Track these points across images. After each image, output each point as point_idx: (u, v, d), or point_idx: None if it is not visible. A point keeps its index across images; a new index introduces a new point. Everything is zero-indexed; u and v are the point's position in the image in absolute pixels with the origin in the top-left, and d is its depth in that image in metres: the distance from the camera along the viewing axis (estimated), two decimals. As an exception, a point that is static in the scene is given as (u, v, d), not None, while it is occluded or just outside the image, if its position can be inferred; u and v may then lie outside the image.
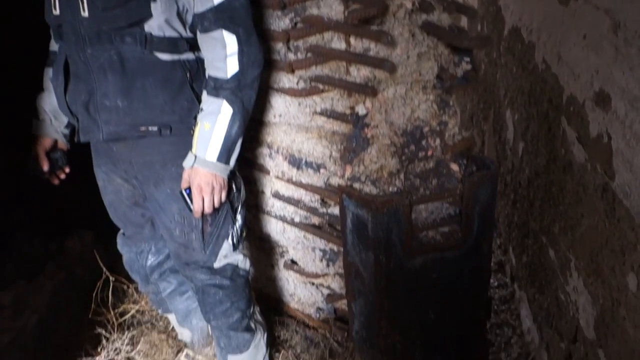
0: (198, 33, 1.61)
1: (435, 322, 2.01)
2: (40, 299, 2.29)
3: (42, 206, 2.86)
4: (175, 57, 1.62)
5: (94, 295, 2.19)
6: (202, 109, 1.60)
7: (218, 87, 1.57)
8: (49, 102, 1.81)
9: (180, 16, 1.59)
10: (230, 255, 1.79)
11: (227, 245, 1.76)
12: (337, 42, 1.76)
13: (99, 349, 2.19)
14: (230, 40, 1.55)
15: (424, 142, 1.81)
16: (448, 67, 1.78)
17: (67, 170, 1.93)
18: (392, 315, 1.97)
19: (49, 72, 1.81)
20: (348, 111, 1.81)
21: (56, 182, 1.93)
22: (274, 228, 2.21)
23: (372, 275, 1.90)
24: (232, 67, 1.55)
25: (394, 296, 1.93)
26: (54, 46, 1.81)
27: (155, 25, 1.57)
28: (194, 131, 1.61)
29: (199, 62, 1.66)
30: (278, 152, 1.99)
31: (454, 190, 1.84)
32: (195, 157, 1.60)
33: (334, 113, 1.83)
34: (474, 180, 1.80)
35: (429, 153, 1.82)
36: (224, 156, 1.60)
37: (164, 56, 1.60)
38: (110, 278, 2.16)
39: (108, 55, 1.57)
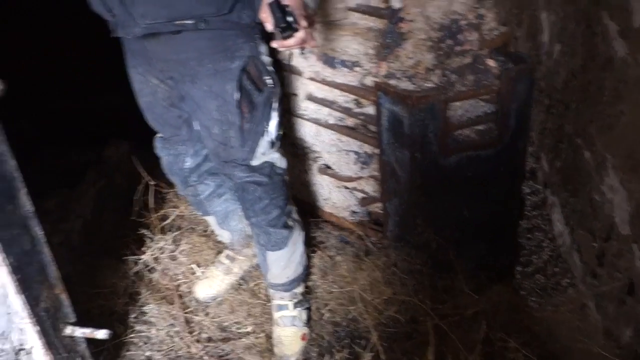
0: None
1: (469, 220, 2.04)
2: (84, 204, 2.39)
3: (78, 120, 2.93)
4: None
5: (134, 199, 2.26)
6: None
7: None
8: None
9: None
10: (268, 153, 1.81)
11: (264, 142, 1.78)
12: None
13: (143, 249, 2.29)
14: None
15: (460, 37, 1.78)
16: (487, -45, 1.72)
17: None
18: (426, 213, 2.00)
19: None
20: (383, 5, 1.78)
21: None
22: (308, 132, 2.22)
23: (407, 173, 1.92)
24: None
25: (429, 194, 1.96)
26: None
27: None
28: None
29: None
30: (311, 51, 1.97)
31: (491, 87, 1.82)
32: None
33: (368, 8, 1.80)
34: (512, 75, 1.78)
35: (466, 48, 1.79)
36: None
37: None
38: (150, 182, 2.22)
39: None
